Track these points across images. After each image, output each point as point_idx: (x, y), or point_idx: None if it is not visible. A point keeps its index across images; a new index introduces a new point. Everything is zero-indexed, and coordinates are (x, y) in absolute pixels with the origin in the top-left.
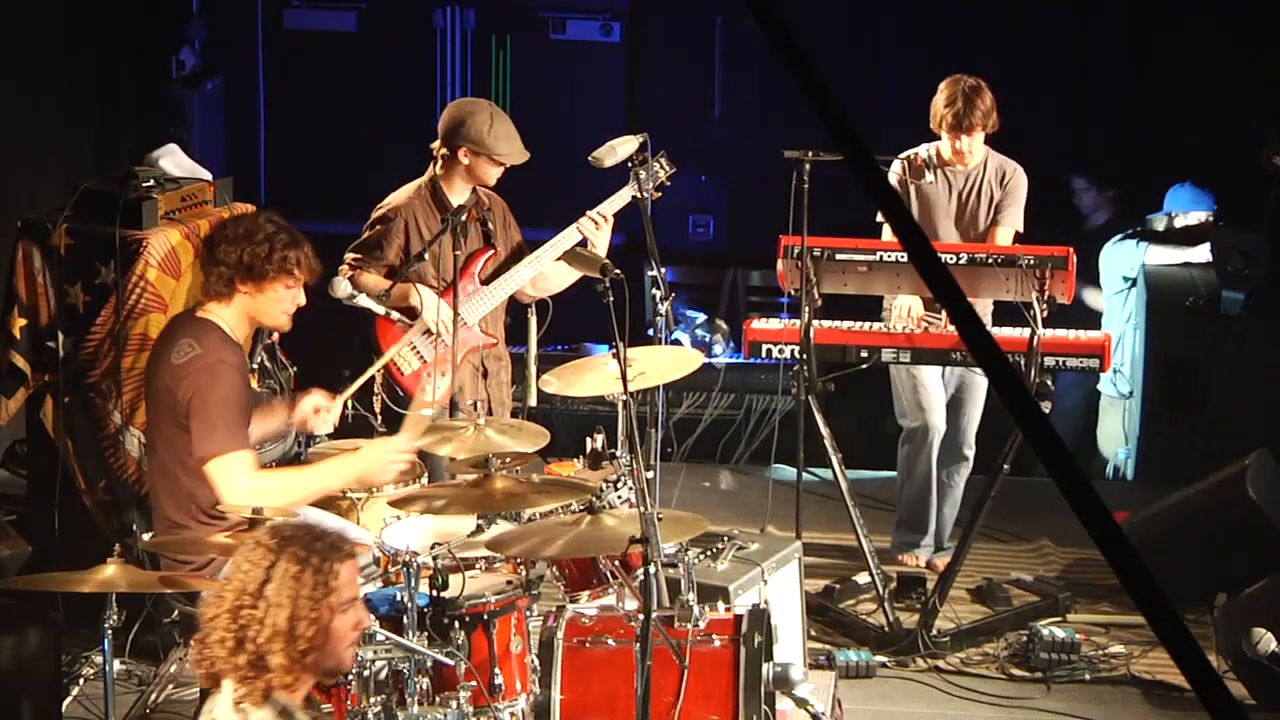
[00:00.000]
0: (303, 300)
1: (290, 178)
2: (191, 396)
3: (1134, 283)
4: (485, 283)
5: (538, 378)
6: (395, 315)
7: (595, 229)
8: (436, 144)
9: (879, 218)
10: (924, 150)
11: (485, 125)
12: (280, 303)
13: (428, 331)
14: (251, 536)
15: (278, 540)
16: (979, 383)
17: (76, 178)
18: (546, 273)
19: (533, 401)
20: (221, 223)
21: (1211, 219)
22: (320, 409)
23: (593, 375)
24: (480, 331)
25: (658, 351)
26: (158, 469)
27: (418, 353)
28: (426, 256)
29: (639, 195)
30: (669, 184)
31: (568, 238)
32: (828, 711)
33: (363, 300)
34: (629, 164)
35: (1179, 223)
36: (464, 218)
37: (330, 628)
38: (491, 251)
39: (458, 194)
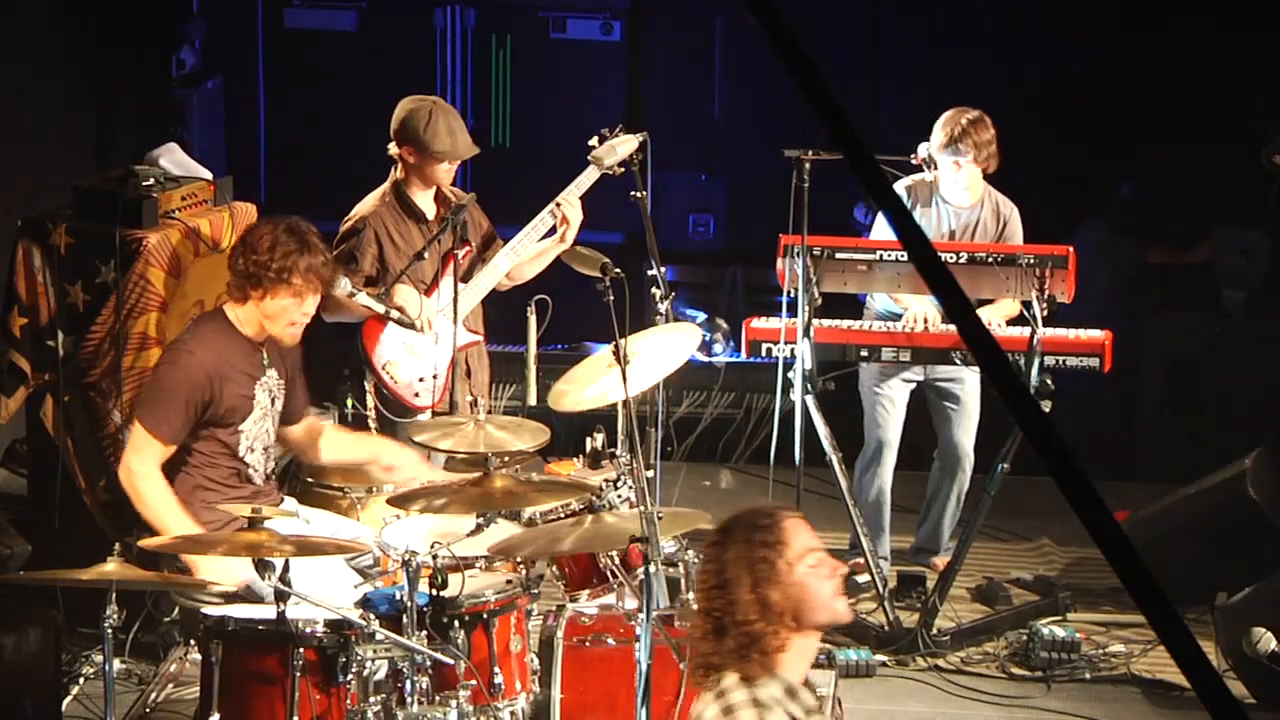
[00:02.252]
0: (307, 313)
1: (290, 177)
2: (154, 369)
3: None
4: (464, 279)
5: (538, 377)
6: (395, 314)
7: (570, 212)
8: (391, 146)
9: (873, 234)
10: (922, 150)
11: (421, 123)
12: (285, 314)
13: (411, 326)
14: (699, 549)
15: (720, 536)
16: (971, 392)
17: (76, 178)
18: (521, 262)
19: (533, 401)
20: (246, 228)
21: None
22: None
23: (603, 380)
24: (466, 330)
25: (656, 332)
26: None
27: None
28: (427, 255)
29: (616, 167)
30: (639, 156)
31: (539, 226)
32: (828, 711)
33: (363, 299)
34: (627, 164)
35: None
36: (463, 217)
37: (798, 583)
38: (467, 248)
39: (420, 195)
